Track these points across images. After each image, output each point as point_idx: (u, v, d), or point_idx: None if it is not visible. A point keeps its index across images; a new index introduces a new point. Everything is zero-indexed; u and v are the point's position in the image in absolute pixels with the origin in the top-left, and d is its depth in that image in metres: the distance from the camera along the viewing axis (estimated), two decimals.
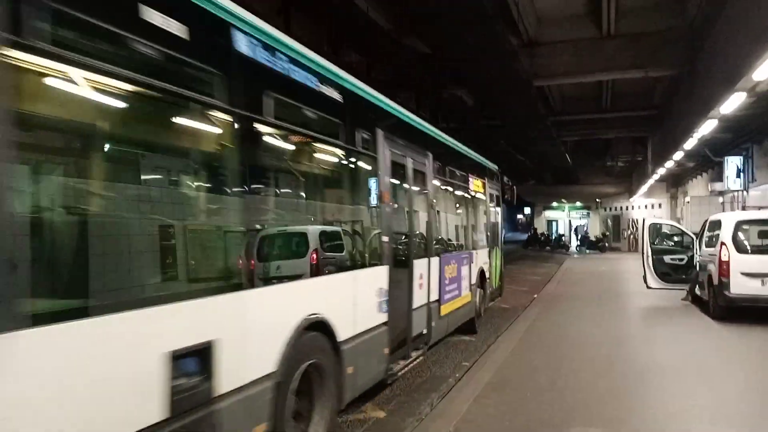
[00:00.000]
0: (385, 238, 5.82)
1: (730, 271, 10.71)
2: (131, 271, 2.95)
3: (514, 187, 15.08)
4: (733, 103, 11.52)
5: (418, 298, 6.92)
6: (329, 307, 4.59)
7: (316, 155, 5.04)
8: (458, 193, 9.46)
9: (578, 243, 44.94)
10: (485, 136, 24.20)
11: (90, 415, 2.50)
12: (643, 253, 13.54)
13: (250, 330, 3.61)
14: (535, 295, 15.29)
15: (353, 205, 5.52)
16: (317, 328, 4.39)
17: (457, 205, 9.55)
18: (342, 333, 4.78)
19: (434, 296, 7.53)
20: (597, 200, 48.93)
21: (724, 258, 10.83)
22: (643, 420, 5.58)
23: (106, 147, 3.03)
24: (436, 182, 7.83)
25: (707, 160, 22.13)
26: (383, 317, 5.75)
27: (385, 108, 6.15)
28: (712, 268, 11.36)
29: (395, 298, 6.01)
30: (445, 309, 8.05)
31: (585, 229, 49.30)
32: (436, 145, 7.97)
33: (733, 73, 10.38)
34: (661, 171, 25.60)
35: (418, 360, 7.08)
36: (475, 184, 10.30)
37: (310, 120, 4.71)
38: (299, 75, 4.36)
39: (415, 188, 7.02)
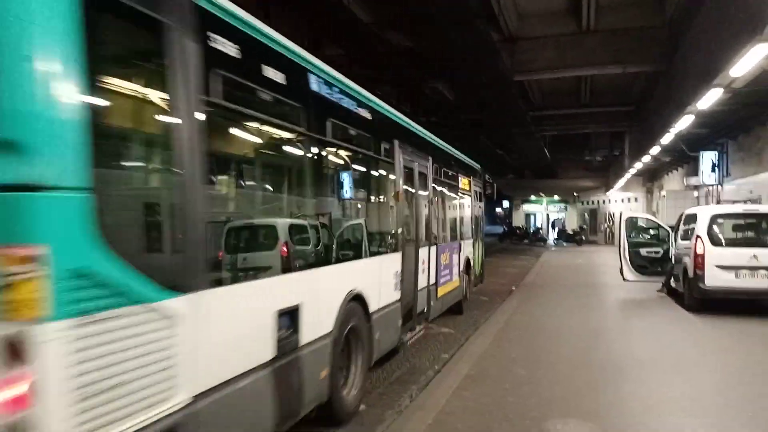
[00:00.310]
0: (400, 230, 7.04)
1: (705, 263, 10.80)
2: (261, 256, 4.20)
3: (494, 183, 16.26)
4: (710, 98, 11.58)
5: (421, 281, 8.06)
6: (363, 284, 5.73)
7: (361, 166, 6.27)
8: (450, 190, 10.49)
9: (556, 236, 45.27)
10: (466, 131, 24.24)
11: (240, 346, 3.60)
12: (620, 246, 13.60)
13: (320, 298, 4.74)
14: (514, 288, 15.33)
15: (378, 203, 6.75)
16: (356, 300, 5.52)
17: (449, 201, 10.47)
18: (371, 305, 5.91)
19: (433, 280, 8.70)
20: (575, 194, 49.33)
21: (700, 251, 10.92)
22: (620, 412, 5.57)
23: (254, 167, 4.40)
24: (434, 181, 9.00)
25: (683, 155, 22.33)
26: (397, 295, 6.88)
27: (400, 123, 7.37)
28: (688, 261, 11.45)
29: (405, 280, 7.15)
30: (440, 291, 9.25)
31: (562, 222, 49.75)
32: (434, 149, 9.15)
33: (710, 69, 10.42)
34: (637, 165, 25.77)
35: (420, 332, 8.29)
36: (462, 182, 11.56)
37: (356, 137, 5.99)
38: (349, 103, 5.63)
39: (420, 187, 8.13)
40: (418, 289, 7.89)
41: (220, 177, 3.81)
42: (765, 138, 16.20)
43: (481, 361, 7.34)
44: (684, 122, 14.48)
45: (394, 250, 6.83)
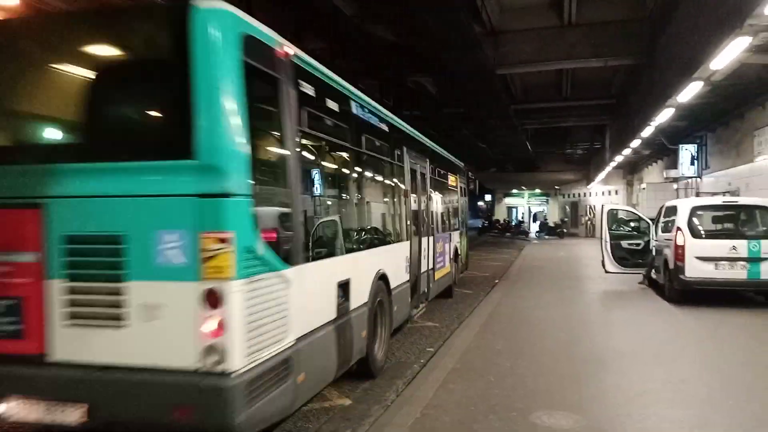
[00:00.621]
0: (408, 221, 8.48)
1: (686, 255, 10.91)
2: (329, 242, 5.36)
3: (476, 179, 17.82)
4: (691, 91, 11.69)
5: (423, 266, 9.38)
6: (386, 266, 7.04)
7: (386, 170, 7.70)
8: (442, 187, 11.87)
9: (538, 229, 45.50)
10: (449, 125, 24.24)
11: (319, 305, 4.99)
12: (601, 239, 13.72)
13: (361, 275, 6.11)
14: (497, 281, 15.43)
15: (394, 200, 8.08)
16: (382, 278, 6.81)
17: (441, 197, 11.72)
18: (392, 283, 7.24)
19: (431, 265, 10.03)
20: (556, 187, 49.60)
21: (680, 243, 11.03)
22: (604, 404, 5.63)
23: (326, 177, 5.60)
24: (431, 180, 10.41)
25: (663, 148, 22.55)
26: (407, 277, 8.23)
27: (407, 132, 8.93)
28: (668, 253, 11.57)
29: (411, 264, 8.52)
30: (437, 275, 10.61)
31: (544, 215, 50.01)
32: (431, 153, 10.67)
33: (691, 62, 10.51)
34: (618, 158, 25.95)
35: (423, 309, 9.65)
36: (451, 179, 12.96)
37: (381, 147, 7.47)
38: (379, 121, 7.25)
39: (421, 185, 9.59)
40: (421, 272, 9.24)
41: (309, 187, 5.00)
42: (743, 131, 16.40)
43: (466, 354, 7.38)
44: (664, 115, 14.62)
45: (405, 239, 8.28)
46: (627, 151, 23.02)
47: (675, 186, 22.85)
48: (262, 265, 3.91)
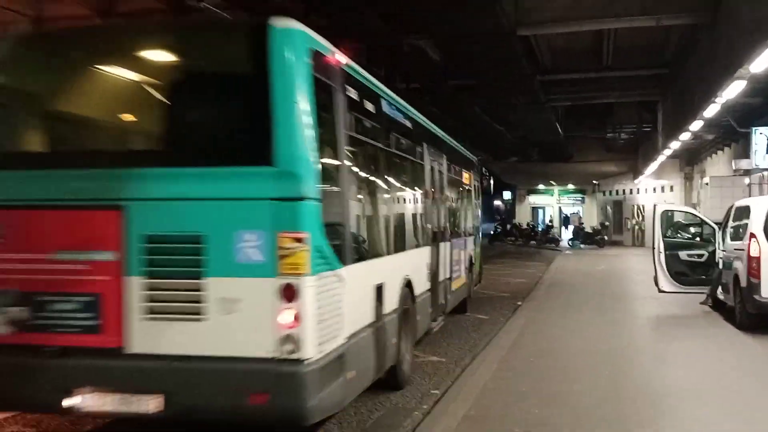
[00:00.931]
0: (429, 225, 9.86)
1: (762, 269, 10.93)
2: (368, 245, 6.86)
3: (490, 176, 19.60)
4: (767, 59, 11.70)
5: (441, 274, 10.65)
6: (411, 271, 8.46)
7: (411, 168, 9.30)
8: (457, 186, 13.25)
9: (571, 236, 45.58)
10: (455, 101, 24.25)
11: (362, 307, 6.37)
12: (653, 249, 13.78)
13: (392, 280, 7.46)
14: (520, 303, 15.48)
15: (417, 202, 9.51)
16: (408, 285, 8.13)
17: (456, 198, 13.17)
18: (416, 290, 8.59)
19: (448, 274, 11.31)
20: (594, 182, 49.77)
21: (755, 253, 11.06)
22: None
23: (372, 178, 7.22)
24: (447, 179, 11.71)
25: (731, 132, 22.65)
26: (428, 285, 9.61)
27: (427, 126, 10.44)
28: (739, 267, 11.60)
29: (431, 272, 9.84)
30: (454, 285, 11.90)
31: (579, 218, 50.00)
32: (446, 147, 12.01)
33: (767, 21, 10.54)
34: (674, 145, 26.05)
35: (441, 323, 10.84)
36: (465, 177, 14.32)
37: (408, 146, 9.18)
38: (409, 121, 9.11)
39: (438, 185, 10.84)
40: (439, 280, 10.45)
41: (354, 189, 6.39)
42: None
43: (481, 398, 7.38)
44: (733, 90, 14.65)
45: (426, 244, 9.66)
46: (685, 136, 23.13)
47: (747, 180, 22.91)
48: (326, 263, 5.31)
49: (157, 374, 5.10)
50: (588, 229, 44.72)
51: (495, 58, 18.67)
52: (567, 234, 49.01)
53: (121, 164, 5.40)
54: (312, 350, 5.00)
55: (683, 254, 13.64)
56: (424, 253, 9.49)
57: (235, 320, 5.00)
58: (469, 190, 14.80)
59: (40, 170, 5.52)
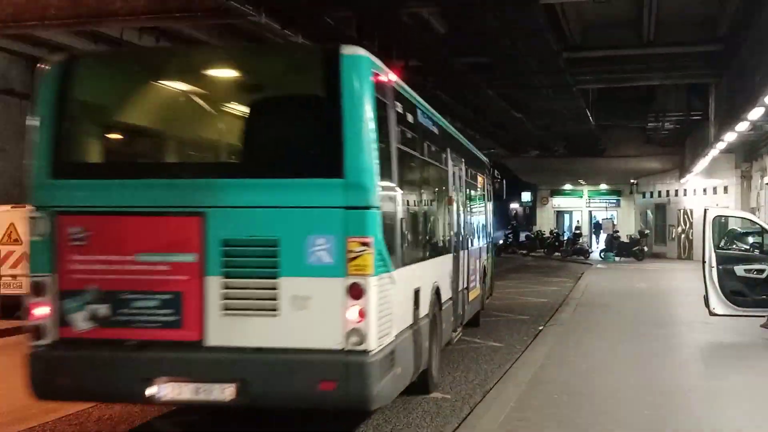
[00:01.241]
0: (451, 232, 12.15)
1: None
2: (412, 251, 8.89)
3: (503, 179, 21.03)
4: None
5: (461, 283, 12.81)
6: (439, 278, 10.57)
7: (438, 176, 11.54)
8: (473, 191, 15.48)
9: (603, 247, 45.52)
10: (465, 83, 24.47)
11: (404, 309, 8.25)
12: (703, 262, 13.91)
13: (426, 284, 9.48)
14: (541, 327, 15.74)
15: (443, 208, 11.64)
16: (436, 292, 10.16)
17: (472, 204, 15.32)
18: (442, 297, 10.67)
19: (465, 283, 13.34)
20: (632, 181, 49.62)
21: None
22: None
23: (410, 185, 9.21)
24: (465, 183, 13.87)
25: None
26: (450, 293, 11.62)
27: (449, 130, 12.91)
28: None
29: (452, 280, 11.92)
30: (471, 295, 14.02)
31: (613, 223, 49.92)
32: (464, 150, 14.44)
33: None
34: (728, 137, 25.73)
35: (460, 334, 12.95)
36: (479, 181, 16.61)
37: (436, 153, 11.29)
38: (432, 125, 10.94)
39: (458, 190, 13.02)
40: (459, 290, 12.57)
41: (399, 197, 8.05)
42: None
43: None
44: None
45: (449, 252, 11.91)
46: (742, 126, 22.92)
47: None
48: (384, 265, 7.15)
49: (234, 365, 6.94)
50: (624, 238, 44.87)
51: (513, 31, 18.72)
52: (598, 244, 49.08)
53: (202, 175, 7.37)
54: (374, 343, 6.83)
55: (740, 269, 13.77)
56: (447, 261, 11.73)
57: (305, 315, 6.84)
58: (482, 195, 17.08)
59: (128, 180, 7.43)
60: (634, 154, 43.35)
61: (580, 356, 12.52)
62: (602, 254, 44.45)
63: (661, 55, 24.73)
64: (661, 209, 46.87)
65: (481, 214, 16.94)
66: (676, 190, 43.79)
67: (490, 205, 18.62)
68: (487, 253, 17.76)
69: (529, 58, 21.52)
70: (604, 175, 51.13)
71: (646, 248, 42.62)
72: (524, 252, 48.41)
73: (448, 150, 12.29)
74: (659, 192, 46.71)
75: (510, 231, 52.66)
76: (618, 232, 46.37)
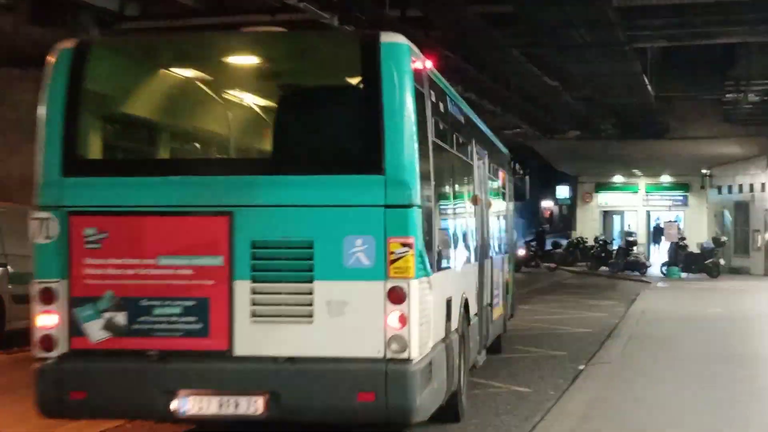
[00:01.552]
0: (477, 238, 13.45)
1: None
2: (447, 256, 10.54)
3: (527, 176, 22.99)
4: None
5: (485, 298, 14.14)
6: (467, 290, 11.78)
7: (466, 173, 12.83)
8: (496, 190, 17.13)
9: (666, 259, 45.72)
10: (481, 39, 24.63)
11: (439, 319, 9.47)
12: None
13: (456, 295, 10.82)
14: (582, 367, 15.75)
15: (470, 210, 12.82)
16: (465, 305, 11.36)
17: (496, 205, 16.76)
18: (471, 312, 11.99)
19: (489, 299, 14.78)
20: (704, 171, 50.16)
21: None
22: None
23: (450, 185, 11.41)
24: (488, 180, 15.61)
25: None
26: (476, 308, 12.81)
27: (475, 121, 14.48)
28: None
29: (477, 294, 13.25)
30: (494, 314, 15.58)
31: (679, 229, 50.11)
32: (487, 141, 16.04)
33: None
34: None
35: (485, 358, 14.42)
36: (500, 176, 18.25)
37: (464, 147, 12.74)
38: (460, 114, 12.65)
39: (483, 189, 14.42)
40: (483, 305, 13.78)
41: (438, 200, 9.46)
42: None
43: None
44: None
45: (475, 260, 13.19)
46: None
47: None
48: (424, 268, 8.08)
49: (265, 376, 7.93)
50: (693, 248, 45.06)
51: None
52: (659, 255, 49.25)
53: (232, 171, 8.57)
54: (416, 351, 7.84)
55: None
56: (473, 271, 13.13)
57: (342, 322, 7.82)
58: (504, 193, 18.80)
59: (147, 177, 8.46)
60: (707, 136, 43.17)
61: (635, 402, 12.54)
62: (664, 269, 44.93)
63: (745, 3, 24.05)
64: (742, 209, 47.08)
65: (504, 218, 18.48)
66: (763, 184, 43.88)
67: (511, 207, 20.52)
68: (509, 264, 19.33)
69: (567, 6, 21.26)
70: (666, 163, 51.61)
71: (722, 261, 42.85)
72: (551, 266, 48.57)
73: (473, 141, 13.58)
74: (740, 186, 46.95)
75: (534, 238, 52.49)
76: (685, 239, 46.51)
